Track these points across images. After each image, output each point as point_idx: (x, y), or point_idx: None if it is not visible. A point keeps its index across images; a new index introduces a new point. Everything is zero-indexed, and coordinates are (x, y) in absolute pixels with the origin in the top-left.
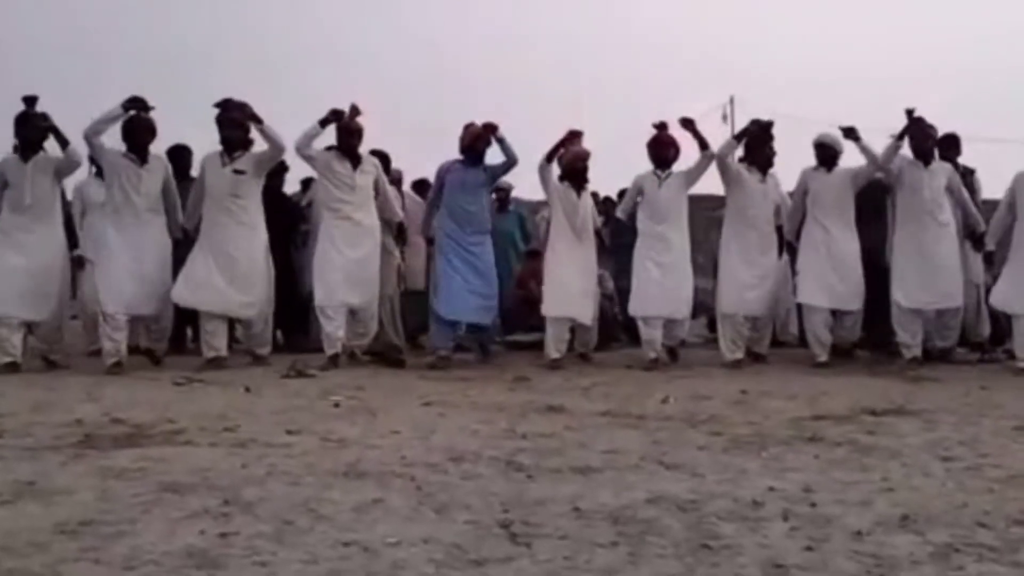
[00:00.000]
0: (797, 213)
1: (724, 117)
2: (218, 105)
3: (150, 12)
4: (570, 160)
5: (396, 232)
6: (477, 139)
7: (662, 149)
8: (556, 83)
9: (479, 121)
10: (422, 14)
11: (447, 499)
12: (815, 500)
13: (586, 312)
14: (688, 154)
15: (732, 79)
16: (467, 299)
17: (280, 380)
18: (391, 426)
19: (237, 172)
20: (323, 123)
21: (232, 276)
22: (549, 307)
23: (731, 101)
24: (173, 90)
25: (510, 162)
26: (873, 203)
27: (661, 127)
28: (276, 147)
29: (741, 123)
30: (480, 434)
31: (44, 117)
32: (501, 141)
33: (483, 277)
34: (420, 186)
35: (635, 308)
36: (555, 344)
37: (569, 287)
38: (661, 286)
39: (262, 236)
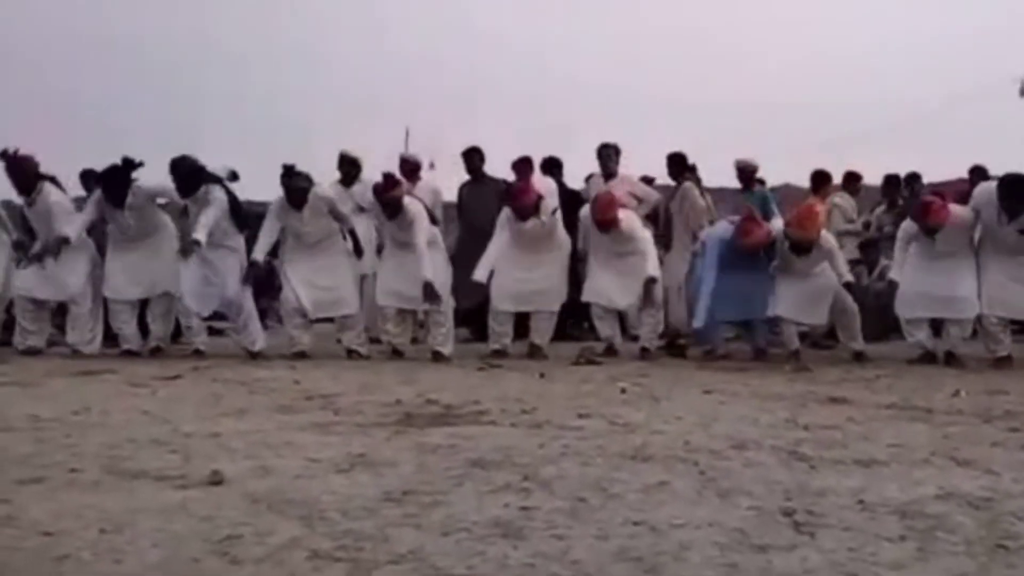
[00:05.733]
0: None
1: (1022, 91)
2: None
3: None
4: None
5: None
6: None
7: None
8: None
9: None
10: None
11: (730, 485)
12: None
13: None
14: None
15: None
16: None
17: (571, 367)
18: (674, 412)
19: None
20: None
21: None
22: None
23: None
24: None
25: None
26: None
27: None
28: None
29: None
30: (761, 423)
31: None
32: None
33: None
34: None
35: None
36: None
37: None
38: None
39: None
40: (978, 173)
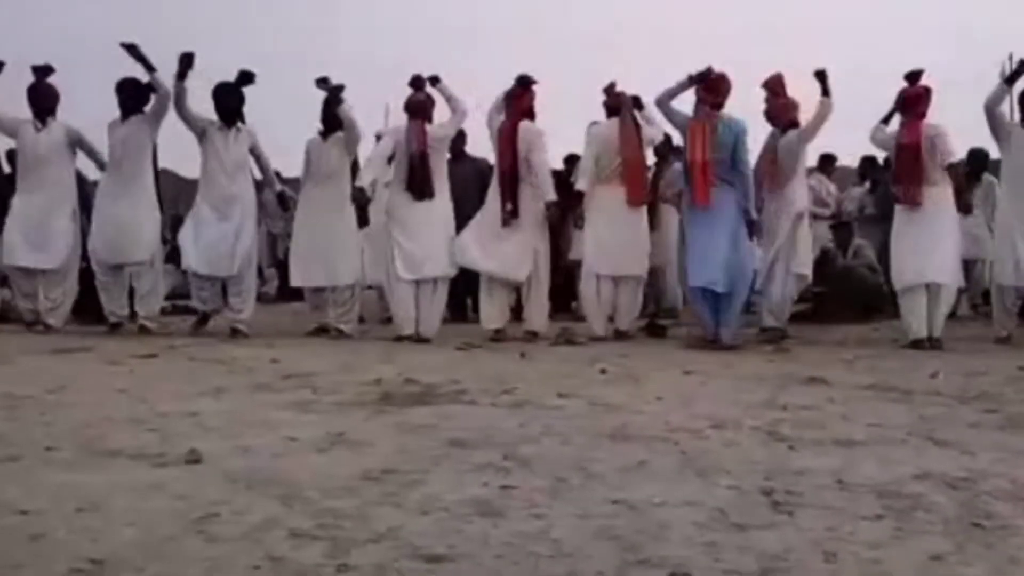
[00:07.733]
0: None
1: (1002, 75)
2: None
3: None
4: None
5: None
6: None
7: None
8: None
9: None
10: None
11: (709, 464)
12: None
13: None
14: None
15: (1011, 34)
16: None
17: (551, 347)
18: (654, 393)
19: None
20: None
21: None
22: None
23: (1010, 58)
24: None
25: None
26: None
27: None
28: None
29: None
30: (740, 403)
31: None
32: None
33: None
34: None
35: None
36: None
37: None
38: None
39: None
40: (976, 156)
